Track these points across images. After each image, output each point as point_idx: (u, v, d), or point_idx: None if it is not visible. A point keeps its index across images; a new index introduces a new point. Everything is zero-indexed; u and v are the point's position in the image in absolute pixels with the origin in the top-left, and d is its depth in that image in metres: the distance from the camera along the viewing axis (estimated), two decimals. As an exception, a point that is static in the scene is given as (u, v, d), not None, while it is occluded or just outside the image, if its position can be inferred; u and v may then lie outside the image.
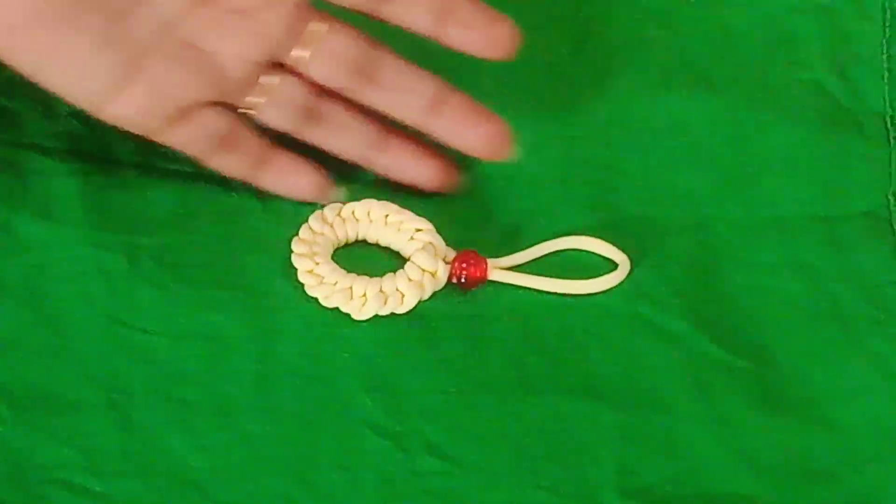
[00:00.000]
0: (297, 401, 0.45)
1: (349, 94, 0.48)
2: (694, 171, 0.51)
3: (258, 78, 0.47)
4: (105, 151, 0.49)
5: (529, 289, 0.47)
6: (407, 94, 0.48)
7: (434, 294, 0.47)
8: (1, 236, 0.47)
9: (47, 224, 0.48)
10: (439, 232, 0.48)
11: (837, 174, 0.51)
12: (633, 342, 0.47)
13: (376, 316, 0.47)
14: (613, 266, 0.48)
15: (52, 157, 0.49)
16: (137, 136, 0.47)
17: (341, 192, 0.49)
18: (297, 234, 0.48)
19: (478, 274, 0.47)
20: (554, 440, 0.45)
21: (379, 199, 0.49)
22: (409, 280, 0.47)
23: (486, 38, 0.47)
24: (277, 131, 0.48)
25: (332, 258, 0.48)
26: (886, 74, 0.53)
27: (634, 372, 0.46)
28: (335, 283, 0.47)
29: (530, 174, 0.50)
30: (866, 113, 0.52)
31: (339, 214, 0.48)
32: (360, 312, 0.47)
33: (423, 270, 0.47)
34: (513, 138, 0.48)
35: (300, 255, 0.47)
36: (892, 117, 0.52)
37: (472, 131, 0.48)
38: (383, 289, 0.47)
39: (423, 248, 0.47)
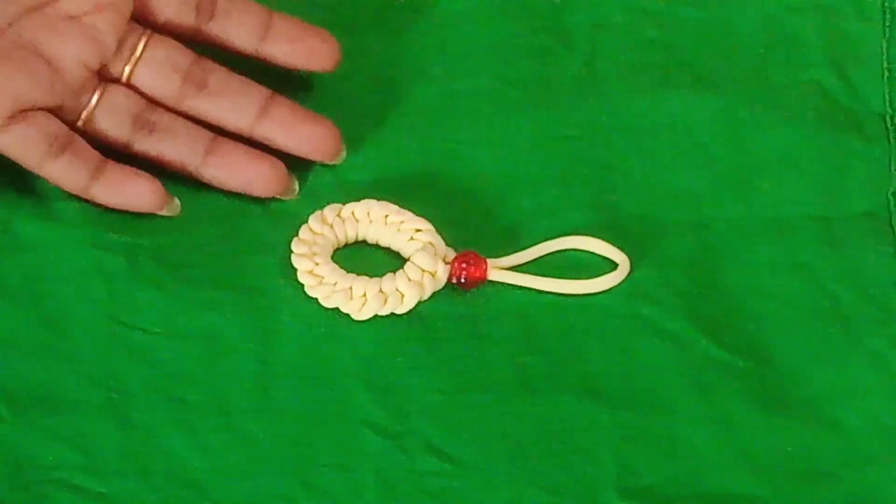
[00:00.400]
0: (297, 401, 0.45)
1: (179, 104, 0.48)
2: (694, 171, 0.50)
3: (92, 87, 0.47)
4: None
5: (529, 289, 0.47)
6: (236, 100, 0.48)
7: (434, 294, 0.47)
8: (1, 236, 0.47)
9: (47, 224, 0.48)
10: (439, 232, 0.48)
11: (837, 174, 0.51)
12: (633, 342, 0.47)
13: (376, 316, 0.47)
14: (613, 266, 0.48)
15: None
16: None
17: (175, 205, 0.48)
18: (296, 234, 0.48)
19: (478, 274, 0.47)
20: (554, 440, 0.45)
21: (379, 199, 0.49)
22: (409, 280, 0.47)
23: (307, 51, 0.48)
24: (109, 145, 0.48)
25: (332, 259, 0.48)
26: (886, 74, 0.53)
27: (634, 372, 0.46)
28: (335, 284, 0.47)
29: (530, 174, 0.50)
30: (866, 113, 0.52)
31: (338, 215, 0.48)
32: (360, 312, 0.46)
33: (423, 270, 0.47)
34: (341, 139, 0.49)
35: (300, 255, 0.47)
36: (891, 117, 0.52)
37: (299, 132, 0.48)
38: (383, 289, 0.47)
39: (423, 248, 0.47)
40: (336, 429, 0.45)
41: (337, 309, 0.47)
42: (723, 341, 0.47)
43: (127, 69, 0.48)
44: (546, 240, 0.49)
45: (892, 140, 0.52)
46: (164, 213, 0.48)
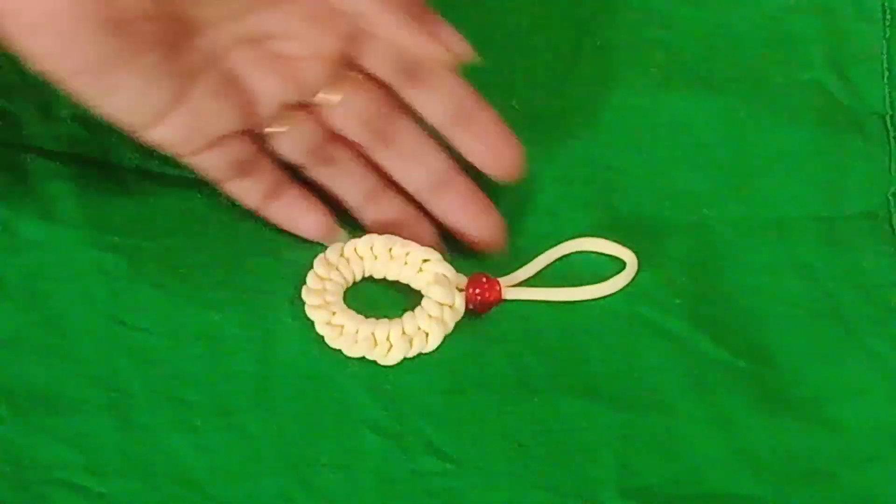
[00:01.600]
0: (297, 401, 0.45)
1: (361, 149, 0.48)
2: (694, 171, 0.51)
3: (285, 116, 0.47)
4: (105, 155, 0.49)
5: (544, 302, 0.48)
6: (417, 165, 0.48)
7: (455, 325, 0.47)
8: (1, 237, 0.47)
9: (48, 225, 0.48)
10: (444, 257, 0.48)
11: (837, 174, 0.51)
12: (633, 342, 0.47)
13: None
14: (619, 264, 0.48)
15: (53, 159, 0.49)
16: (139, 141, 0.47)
17: (344, 234, 0.48)
18: (304, 283, 0.47)
19: (492, 297, 0.47)
20: (554, 440, 0.45)
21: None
22: (430, 317, 0.46)
23: (493, 157, 0.48)
24: (289, 165, 0.48)
25: (344, 300, 0.47)
26: (886, 74, 0.53)
27: (634, 372, 0.46)
28: (356, 332, 0.46)
29: (530, 174, 0.50)
30: (866, 113, 0.52)
31: (342, 255, 0.48)
32: (387, 358, 0.46)
33: (442, 304, 0.46)
34: (505, 230, 0.49)
35: (315, 307, 0.46)
36: (891, 117, 0.52)
37: (469, 220, 0.48)
38: (406, 330, 0.46)
39: (436, 280, 0.47)
40: (336, 429, 0.45)
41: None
42: (723, 341, 0.47)
43: (327, 102, 0.48)
44: (549, 241, 0.48)
45: (892, 140, 0.52)
46: (328, 243, 0.48)
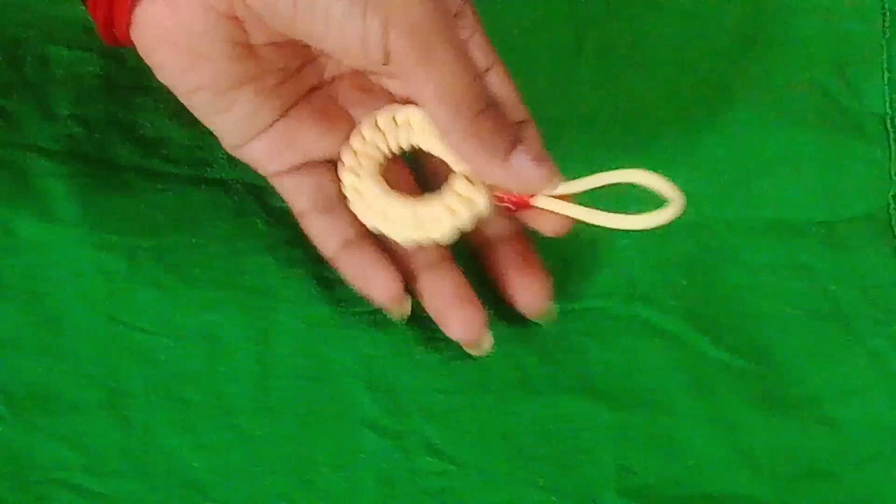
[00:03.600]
0: (297, 401, 0.45)
1: None
2: (694, 171, 0.51)
3: None
4: (104, 154, 0.49)
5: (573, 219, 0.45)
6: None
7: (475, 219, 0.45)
8: (1, 237, 0.47)
9: (47, 225, 0.47)
10: None
11: (837, 176, 0.51)
12: (633, 342, 0.47)
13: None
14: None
15: (52, 158, 0.49)
16: (138, 140, 0.47)
17: (408, 305, 0.46)
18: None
19: (523, 199, 0.44)
20: (553, 440, 0.45)
21: None
22: (446, 207, 0.45)
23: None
24: None
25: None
26: (886, 75, 0.53)
27: (633, 372, 0.46)
28: (372, 202, 0.45)
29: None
30: (866, 114, 0.52)
31: (393, 120, 0.46)
32: (398, 234, 0.45)
33: (460, 195, 0.45)
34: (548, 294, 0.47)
35: (347, 167, 0.46)
36: (891, 118, 0.52)
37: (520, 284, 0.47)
38: (419, 213, 0.45)
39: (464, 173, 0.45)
40: (336, 429, 0.45)
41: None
42: (722, 341, 0.47)
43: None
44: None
45: (892, 142, 0.52)
46: (393, 310, 0.46)
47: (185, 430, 0.44)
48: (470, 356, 0.46)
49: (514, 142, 0.43)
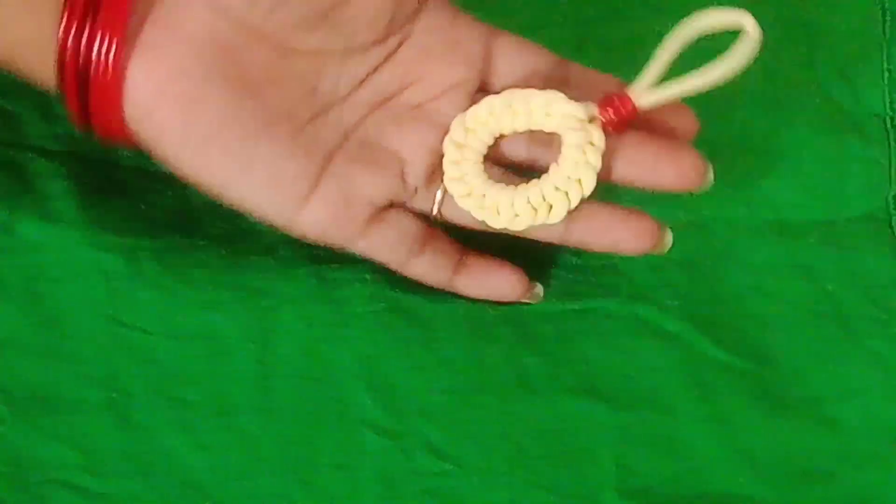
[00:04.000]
0: (297, 401, 0.45)
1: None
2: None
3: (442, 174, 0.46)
4: (104, 154, 0.49)
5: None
6: None
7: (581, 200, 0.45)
8: (1, 237, 0.47)
9: (47, 225, 0.47)
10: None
11: (837, 176, 0.51)
12: (633, 343, 0.47)
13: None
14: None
15: (52, 159, 0.49)
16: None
17: (540, 287, 0.47)
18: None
19: (628, 111, 0.44)
20: (553, 440, 0.45)
21: None
22: (556, 189, 0.44)
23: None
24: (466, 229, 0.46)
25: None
26: (886, 76, 0.53)
27: (633, 372, 0.46)
28: (483, 196, 0.44)
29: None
30: (866, 114, 0.52)
31: (467, 127, 0.45)
32: (514, 224, 0.45)
33: (570, 178, 0.44)
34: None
35: (454, 142, 0.45)
36: (891, 118, 0.52)
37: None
38: (531, 200, 0.44)
39: (567, 124, 0.44)
40: (336, 429, 0.45)
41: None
42: (722, 342, 0.47)
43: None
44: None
45: (892, 142, 0.52)
46: (526, 299, 0.47)
47: (185, 430, 0.44)
48: (470, 356, 0.47)
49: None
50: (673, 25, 0.53)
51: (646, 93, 0.44)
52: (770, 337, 0.47)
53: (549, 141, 0.45)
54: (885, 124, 0.52)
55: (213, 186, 0.43)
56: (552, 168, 0.45)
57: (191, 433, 0.44)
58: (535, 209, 0.44)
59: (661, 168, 0.45)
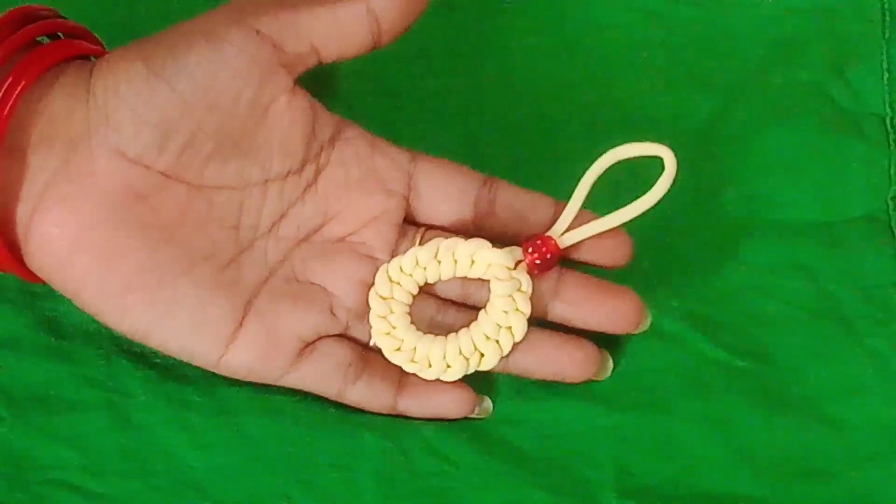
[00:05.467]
0: (296, 401, 0.45)
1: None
2: (694, 171, 0.50)
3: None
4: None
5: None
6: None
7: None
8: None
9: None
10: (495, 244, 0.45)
11: (837, 176, 0.51)
12: (631, 343, 0.47)
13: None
14: (656, 168, 0.44)
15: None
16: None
17: (488, 400, 0.46)
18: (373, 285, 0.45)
19: (551, 251, 0.44)
20: (552, 441, 0.45)
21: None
22: (487, 338, 0.45)
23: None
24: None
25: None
26: (886, 76, 0.53)
27: (632, 372, 0.46)
28: (414, 349, 0.45)
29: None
30: (866, 115, 0.52)
31: (402, 271, 0.45)
32: (424, 373, 0.45)
33: (500, 326, 0.44)
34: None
35: (378, 316, 0.45)
36: (891, 119, 0.52)
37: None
38: (462, 351, 0.45)
39: (493, 274, 0.44)
40: (336, 429, 0.45)
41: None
42: (722, 341, 0.47)
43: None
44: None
45: (891, 143, 0.52)
46: (475, 415, 0.46)
47: (185, 429, 0.44)
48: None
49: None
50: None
51: (567, 234, 0.45)
52: (769, 336, 0.47)
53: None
54: (885, 124, 0.52)
55: (135, 333, 0.43)
56: (481, 316, 0.45)
57: (190, 433, 0.44)
58: (467, 358, 0.45)
59: (601, 310, 0.45)
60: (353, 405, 0.45)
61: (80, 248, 0.41)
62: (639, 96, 0.52)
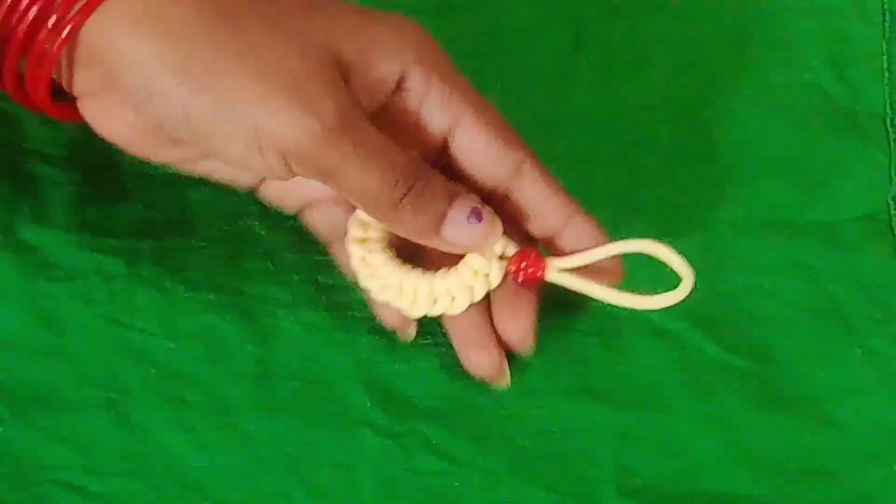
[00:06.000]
0: (296, 401, 0.45)
1: None
2: (694, 171, 0.51)
3: None
4: (105, 158, 0.49)
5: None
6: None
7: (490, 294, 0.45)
8: (1, 238, 0.47)
9: (47, 227, 0.47)
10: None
11: (837, 176, 0.51)
12: (632, 342, 0.47)
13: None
14: (674, 278, 0.45)
15: (52, 161, 0.49)
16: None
17: (414, 328, 0.46)
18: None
19: (536, 273, 0.45)
20: (553, 440, 0.45)
21: None
22: (461, 282, 0.45)
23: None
24: None
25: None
26: (886, 76, 0.53)
27: (633, 372, 0.46)
28: (386, 277, 0.45)
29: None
30: (866, 115, 0.52)
31: None
32: (411, 310, 0.45)
33: (476, 272, 0.45)
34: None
35: (356, 239, 0.45)
36: (891, 119, 0.52)
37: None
38: (434, 289, 0.45)
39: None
40: (336, 429, 0.45)
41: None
42: (722, 341, 0.47)
43: None
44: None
45: (892, 142, 0.52)
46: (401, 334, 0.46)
47: (185, 429, 0.44)
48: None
49: (441, 214, 0.42)
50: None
51: (560, 273, 0.44)
52: (770, 336, 0.47)
53: None
54: (885, 124, 0.52)
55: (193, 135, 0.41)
56: (442, 273, 0.45)
57: (190, 433, 0.44)
58: (441, 300, 0.45)
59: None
60: (335, 257, 0.46)
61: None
62: (640, 94, 0.52)
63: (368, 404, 0.45)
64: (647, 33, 0.53)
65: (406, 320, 0.46)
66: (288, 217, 0.48)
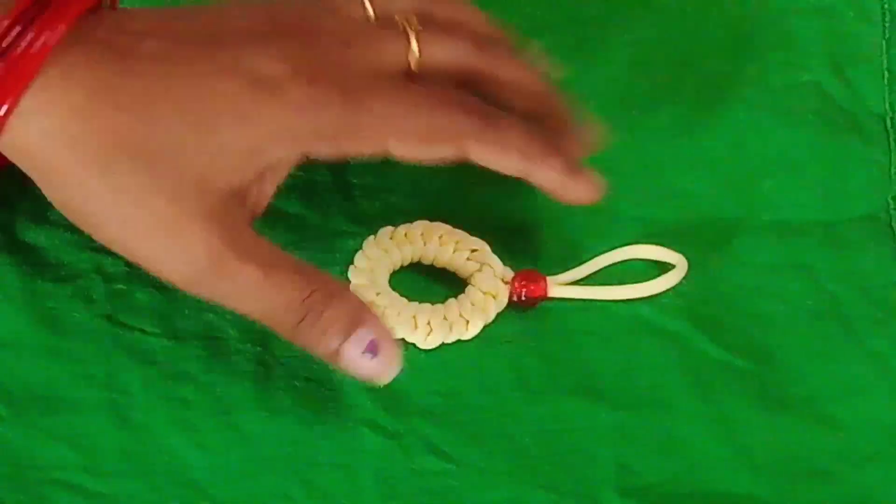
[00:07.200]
0: (297, 401, 0.45)
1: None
2: (694, 171, 0.51)
3: None
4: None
5: (591, 300, 0.47)
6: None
7: (497, 316, 0.47)
8: (1, 239, 0.47)
9: (46, 227, 0.47)
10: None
11: (837, 176, 0.51)
12: (633, 342, 0.47)
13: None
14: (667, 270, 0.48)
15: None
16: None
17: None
18: (352, 262, 0.47)
19: (538, 292, 0.47)
20: (553, 440, 0.45)
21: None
22: (473, 305, 0.46)
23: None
24: None
25: (390, 283, 0.47)
26: (886, 76, 0.53)
27: (633, 371, 0.46)
28: (398, 314, 0.46)
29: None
30: (866, 115, 0.52)
31: (391, 238, 0.47)
32: (426, 342, 0.46)
33: (485, 293, 0.46)
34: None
35: (359, 285, 0.46)
36: (892, 119, 0.52)
37: None
38: (447, 316, 0.46)
39: (482, 269, 0.47)
40: (336, 429, 0.45)
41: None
42: (722, 341, 0.47)
43: None
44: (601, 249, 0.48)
45: (892, 143, 0.52)
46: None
47: (185, 429, 0.44)
48: (468, 358, 0.46)
49: (346, 330, 0.42)
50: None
51: (561, 287, 0.47)
52: (770, 336, 0.47)
53: None
54: (885, 124, 0.52)
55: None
56: (451, 300, 0.47)
57: (190, 433, 0.44)
58: (455, 327, 0.46)
59: None
60: None
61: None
62: (639, 94, 0.52)
63: (369, 403, 0.45)
64: (647, 33, 0.53)
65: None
66: (288, 215, 0.48)
